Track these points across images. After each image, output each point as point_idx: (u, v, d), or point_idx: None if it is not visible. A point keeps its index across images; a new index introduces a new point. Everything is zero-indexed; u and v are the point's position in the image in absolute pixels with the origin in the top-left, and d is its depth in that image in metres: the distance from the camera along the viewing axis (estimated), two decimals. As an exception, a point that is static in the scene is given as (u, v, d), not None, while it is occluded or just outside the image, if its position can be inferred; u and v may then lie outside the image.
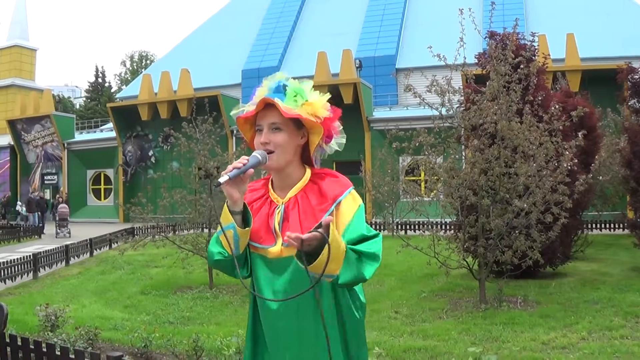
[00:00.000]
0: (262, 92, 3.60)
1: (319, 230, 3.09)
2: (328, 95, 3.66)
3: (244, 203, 3.49)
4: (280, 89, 3.54)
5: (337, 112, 3.66)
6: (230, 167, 3.32)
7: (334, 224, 3.28)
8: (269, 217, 3.60)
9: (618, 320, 12.20)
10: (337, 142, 3.73)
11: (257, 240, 3.59)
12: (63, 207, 37.43)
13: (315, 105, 3.55)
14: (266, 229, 3.58)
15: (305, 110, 3.50)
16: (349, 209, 3.50)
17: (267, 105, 3.52)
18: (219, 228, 3.50)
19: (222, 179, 3.23)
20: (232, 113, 3.74)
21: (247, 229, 3.48)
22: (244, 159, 3.38)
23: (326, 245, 3.10)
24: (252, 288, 3.68)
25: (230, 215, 3.44)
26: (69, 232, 36.17)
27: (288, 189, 3.63)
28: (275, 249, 3.54)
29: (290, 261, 3.42)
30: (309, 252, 3.13)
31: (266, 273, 3.58)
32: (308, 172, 3.66)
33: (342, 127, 3.72)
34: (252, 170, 3.39)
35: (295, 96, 3.52)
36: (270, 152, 3.49)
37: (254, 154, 3.46)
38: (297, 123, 3.55)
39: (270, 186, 3.72)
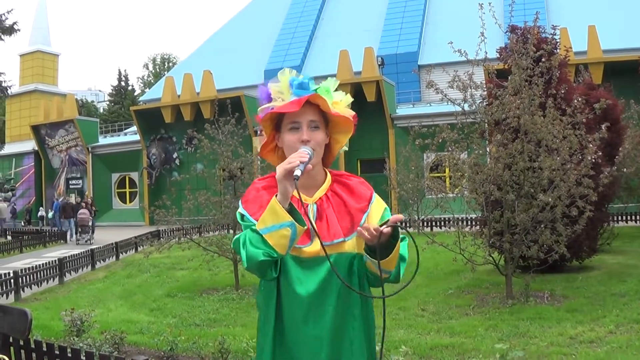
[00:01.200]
0: (283, 87, 3.47)
1: (392, 225, 3.10)
2: (350, 97, 3.57)
3: (290, 202, 3.28)
4: (305, 86, 3.41)
5: (354, 115, 3.57)
6: (295, 160, 3.16)
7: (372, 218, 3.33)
8: (302, 216, 3.41)
9: (645, 313, 12.11)
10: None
11: None
12: (82, 213, 36.13)
13: (342, 104, 3.49)
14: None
15: (336, 109, 3.44)
16: (378, 211, 3.49)
17: (308, 103, 3.39)
18: (260, 226, 3.23)
19: (297, 172, 3.11)
20: (261, 107, 3.57)
21: (305, 227, 3.25)
22: (303, 152, 3.24)
23: (399, 240, 3.15)
24: (276, 288, 3.51)
25: (286, 213, 3.18)
26: (91, 239, 35.17)
27: (311, 189, 3.53)
28: (313, 248, 3.40)
29: (324, 260, 3.33)
30: (373, 247, 3.14)
31: (298, 273, 3.44)
32: (328, 173, 3.61)
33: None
34: (311, 165, 3.25)
35: (326, 94, 3.43)
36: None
37: (305, 149, 3.29)
38: (327, 122, 3.48)
39: None
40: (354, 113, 3.52)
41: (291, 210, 3.23)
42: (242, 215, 3.49)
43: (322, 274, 3.40)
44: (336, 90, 3.53)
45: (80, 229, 35.96)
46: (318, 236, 3.28)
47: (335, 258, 3.35)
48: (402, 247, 3.34)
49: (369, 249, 3.22)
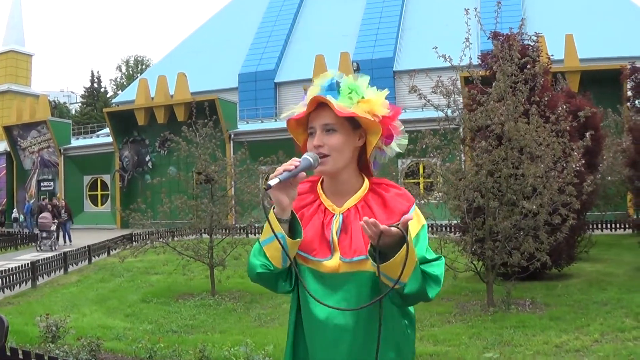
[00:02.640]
0: (314, 91, 3.24)
1: (399, 227, 2.83)
2: (387, 92, 3.32)
3: (293, 211, 3.14)
4: (334, 87, 3.20)
5: (397, 110, 3.31)
6: (280, 169, 2.99)
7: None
8: (324, 226, 3.26)
9: (629, 321, 12.09)
10: (398, 143, 3.36)
11: (309, 252, 3.24)
12: (44, 217, 33.15)
13: (373, 102, 3.21)
14: (320, 240, 3.24)
15: (361, 109, 3.17)
16: (413, 228, 3.14)
17: (320, 105, 3.20)
18: (261, 237, 3.18)
19: (272, 182, 2.91)
20: (282, 116, 3.38)
21: (297, 240, 3.12)
22: (295, 160, 3.04)
23: (405, 245, 2.83)
24: (296, 303, 3.36)
25: (279, 224, 3.07)
26: (54, 245, 32.49)
27: (344, 196, 3.30)
28: (331, 263, 3.19)
29: (348, 278, 3.13)
30: (381, 251, 2.87)
31: (317, 288, 3.21)
32: (367, 180, 3.34)
33: (403, 127, 3.38)
34: (303, 174, 3.07)
35: (350, 93, 3.19)
36: (324, 156, 3.17)
37: (304, 156, 3.11)
38: (354, 123, 3.21)
39: (320, 191, 3.38)
40: (387, 111, 3.25)
41: (292, 222, 3.10)
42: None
43: (342, 295, 3.19)
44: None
45: (44, 234, 33.01)
46: (336, 250, 3.16)
47: (360, 277, 3.13)
48: (436, 269, 3.11)
49: (374, 250, 2.91)
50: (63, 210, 37.02)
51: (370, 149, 3.28)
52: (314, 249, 3.23)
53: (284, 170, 2.97)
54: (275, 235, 3.04)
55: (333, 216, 3.26)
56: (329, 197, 3.31)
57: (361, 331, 3.17)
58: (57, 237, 34.72)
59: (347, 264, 3.14)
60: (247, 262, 3.33)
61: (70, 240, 35.41)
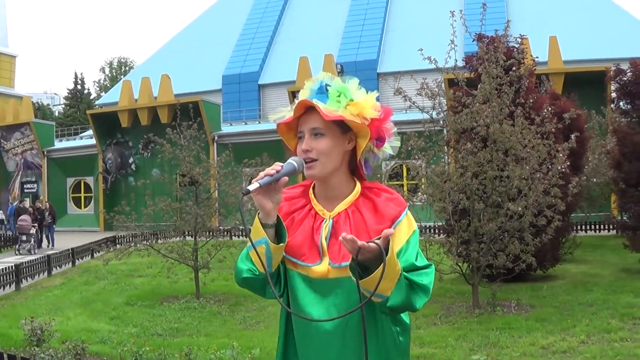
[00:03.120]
0: (304, 94, 3.22)
1: (377, 242, 2.77)
2: (376, 93, 3.28)
3: (278, 216, 3.11)
4: (323, 90, 3.17)
5: (388, 112, 3.28)
6: (261, 173, 2.98)
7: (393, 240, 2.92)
8: (314, 231, 3.21)
9: (615, 322, 12.13)
10: (391, 145, 3.32)
11: (298, 257, 3.20)
12: (22, 220, 31.84)
13: (362, 104, 3.17)
14: (310, 245, 3.20)
15: (349, 112, 3.14)
16: (403, 233, 3.12)
17: (309, 109, 3.17)
18: (248, 243, 3.12)
19: (252, 187, 2.89)
20: (271, 119, 3.35)
21: (281, 244, 3.09)
22: (277, 165, 3.01)
23: (383, 261, 2.77)
24: (285, 311, 3.32)
25: (262, 229, 3.07)
26: (33, 248, 31.19)
27: (335, 200, 3.25)
28: (321, 268, 3.15)
29: (338, 283, 3.10)
30: (363, 264, 2.83)
31: (307, 294, 3.19)
32: (358, 184, 3.29)
33: (395, 129, 3.34)
34: (286, 178, 3.03)
35: (338, 96, 3.15)
36: (312, 160, 3.14)
37: (289, 160, 3.09)
38: (343, 126, 3.17)
39: (312, 196, 3.34)
40: (376, 114, 3.20)
41: (278, 226, 3.08)
42: None
43: (332, 301, 3.16)
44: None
45: (23, 237, 31.74)
46: (325, 255, 3.14)
47: (346, 282, 3.07)
48: (424, 278, 3.05)
49: (358, 264, 2.84)
50: (47, 213, 36.10)
51: (359, 153, 3.23)
52: (303, 253, 3.19)
53: (265, 175, 2.96)
54: (252, 244, 3.05)
55: (323, 221, 3.22)
56: (320, 202, 3.27)
57: (350, 336, 3.14)
58: (41, 241, 34.35)
59: (336, 269, 3.10)
60: (232, 264, 3.31)
61: (52, 244, 34.48)
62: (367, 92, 3.24)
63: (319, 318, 3.12)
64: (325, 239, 3.18)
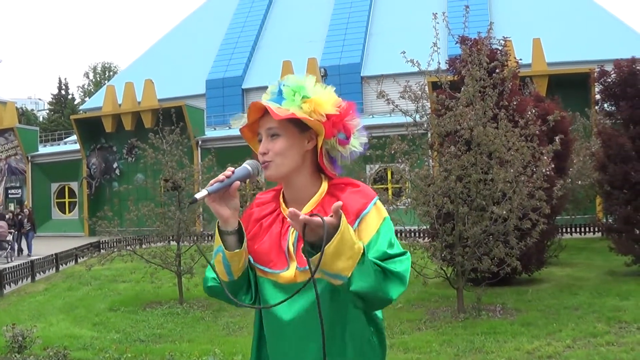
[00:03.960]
0: (264, 98, 3.14)
1: (318, 214, 2.67)
2: (333, 88, 3.16)
3: (239, 222, 3.00)
4: (281, 92, 3.08)
5: (349, 107, 3.15)
6: (212, 180, 2.90)
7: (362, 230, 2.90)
8: (281, 236, 3.12)
9: (601, 326, 12.07)
10: (359, 141, 3.19)
11: (266, 264, 3.11)
12: None
13: (316, 101, 3.05)
14: (277, 251, 3.11)
15: (304, 109, 3.03)
16: (373, 224, 3.00)
17: (266, 112, 3.06)
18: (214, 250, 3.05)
19: (199, 195, 2.80)
20: (233, 124, 3.31)
21: (236, 251, 2.99)
22: (229, 170, 2.93)
23: (324, 230, 2.63)
24: (258, 315, 3.25)
25: (219, 237, 2.98)
26: (9, 256, 29.94)
27: (302, 203, 3.12)
28: (288, 274, 3.05)
29: (305, 289, 2.90)
30: (314, 243, 2.71)
31: (277, 299, 3.04)
32: (325, 183, 3.17)
33: (360, 125, 3.21)
34: (237, 183, 2.91)
35: (293, 95, 3.05)
36: (266, 162, 3.05)
37: (244, 164, 3.01)
38: (301, 125, 3.07)
39: (281, 200, 3.23)
40: (333, 110, 3.07)
41: (239, 232, 3.00)
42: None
43: (303, 305, 3.05)
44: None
45: None
46: (292, 260, 3.06)
47: (318, 284, 2.88)
48: (397, 265, 2.90)
49: (309, 244, 2.73)
50: (26, 220, 34.55)
51: (318, 151, 3.12)
52: (270, 260, 3.10)
53: (214, 182, 2.87)
54: (217, 250, 3.01)
55: (289, 225, 3.08)
56: (288, 206, 3.15)
57: (318, 341, 2.94)
58: (20, 248, 33.33)
59: (303, 272, 2.98)
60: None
61: (30, 252, 32.68)
62: (326, 88, 3.14)
63: (291, 319, 3.05)
64: (293, 244, 3.08)
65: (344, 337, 3.07)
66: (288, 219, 2.70)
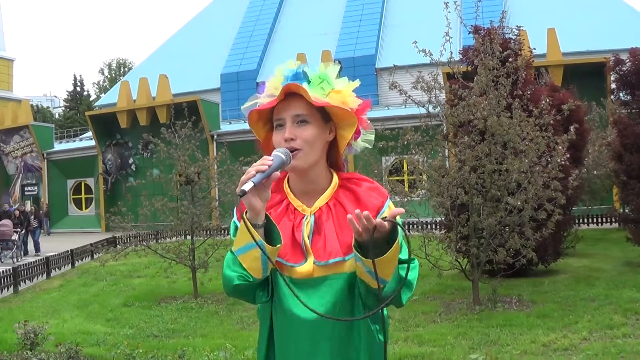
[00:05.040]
0: (276, 81, 3.02)
1: (391, 220, 2.63)
2: (358, 83, 3.08)
3: (267, 215, 2.85)
4: (301, 76, 2.96)
5: (367, 103, 3.06)
6: (251, 170, 2.70)
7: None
8: (295, 229, 3.01)
9: (618, 317, 11.92)
10: (366, 138, 3.14)
11: (282, 257, 2.96)
12: (3, 225, 29.08)
13: (345, 93, 2.99)
14: (292, 244, 2.98)
15: (334, 100, 2.94)
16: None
17: (288, 95, 2.95)
18: (235, 247, 2.88)
19: (246, 186, 2.62)
20: (243, 107, 3.10)
21: (278, 246, 2.83)
22: (266, 159, 2.75)
23: (395, 243, 2.68)
24: (269, 314, 3.09)
25: (253, 231, 2.76)
26: (16, 256, 28.65)
27: (314, 195, 3.05)
28: (305, 268, 2.95)
29: (323, 281, 2.91)
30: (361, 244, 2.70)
31: (291, 295, 2.90)
32: (335, 176, 3.10)
33: (369, 122, 3.14)
34: (277, 173, 2.78)
35: (320, 82, 2.96)
36: (294, 150, 2.91)
37: (275, 153, 2.84)
38: (325, 115, 2.98)
39: (288, 190, 3.11)
40: (360, 102, 3.03)
41: (268, 226, 2.81)
42: (236, 228, 3.02)
43: (319, 301, 2.93)
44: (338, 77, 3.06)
45: (3, 244, 29.19)
46: (309, 254, 2.95)
47: (336, 280, 2.91)
48: (410, 273, 2.84)
49: (359, 246, 2.72)
50: (32, 217, 33.42)
51: (344, 144, 3.06)
52: (285, 253, 2.97)
53: (256, 172, 2.70)
54: (257, 243, 2.76)
55: (303, 217, 3.02)
56: (297, 197, 3.05)
57: (338, 339, 2.96)
58: (26, 247, 31.90)
59: (321, 267, 2.92)
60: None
61: (38, 251, 31.69)
62: (348, 81, 3.06)
63: (307, 318, 2.91)
64: (308, 236, 2.99)
65: (360, 335, 3.01)
66: (352, 218, 2.64)
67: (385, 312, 3.06)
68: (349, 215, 2.67)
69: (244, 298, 3.05)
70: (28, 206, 44.00)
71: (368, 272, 2.72)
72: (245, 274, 2.87)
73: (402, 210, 2.68)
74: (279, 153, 2.83)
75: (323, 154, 3.04)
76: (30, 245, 32.19)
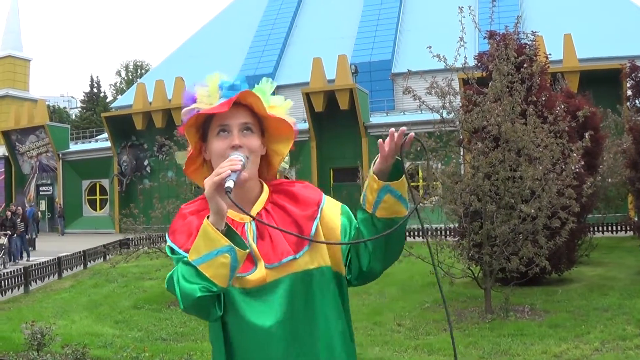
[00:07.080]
0: (212, 89, 2.93)
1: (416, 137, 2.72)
2: (291, 103, 3.07)
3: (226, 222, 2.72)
4: (239, 88, 2.90)
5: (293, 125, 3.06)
6: (224, 169, 2.60)
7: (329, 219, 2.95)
8: None
9: (631, 328, 11.76)
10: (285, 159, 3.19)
11: None
12: None
13: (281, 109, 3.00)
14: None
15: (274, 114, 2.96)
16: (333, 212, 2.99)
17: (234, 104, 2.84)
18: (192, 257, 2.65)
19: (229, 184, 2.55)
20: (183, 111, 2.97)
21: (247, 250, 2.67)
22: (234, 160, 2.66)
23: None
24: (222, 328, 2.88)
25: (222, 236, 2.61)
26: (3, 262, 26.92)
27: (248, 204, 2.92)
28: (256, 275, 2.81)
29: (278, 285, 2.81)
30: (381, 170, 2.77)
31: (249, 304, 2.82)
32: (265, 185, 3.04)
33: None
34: (245, 174, 2.74)
35: (263, 95, 2.95)
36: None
37: (237, 154, 2.75)
38: (261, 128, 2.98)
39: None
40: (294, 120, 3.03)
41: (229, 232, 2.66)
42: (172, 249, 2.92)
43: (277, 305, 2.83)
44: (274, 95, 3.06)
45: None
46: (259, 260, 2.86)
47: (290, 280, 2.82)
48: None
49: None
50: (19, 220, 30.33)
51: (278, 159, 3.09)
52: None
53: (231, 171, 2.60)
54: (226, 248, 2.60)
55: (244, 225, 2.92)
56: (231, 207, 2.84)
57: (297, 339, 2.85)
58: (19, 252, 30.15)
59: (274, 270, 2.83)
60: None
61: (28, 256, 30.16)
62: (281, 99, 3.06)
63: (272, 324, 2.81)
64: (254, 241, 2.90)
65: (320, 336, 2.90)
66: (381, 143, 2.70)
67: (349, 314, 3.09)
68: (379, 140, 2.70)
69: (202, 313, 2.82)
70: (43, 206, 44.13)
71: (398, 198, 2.77)
72: (209, 285, 2.66)
73: (407, 131, 2.68)
74: (240, 156, 2.75)
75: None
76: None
